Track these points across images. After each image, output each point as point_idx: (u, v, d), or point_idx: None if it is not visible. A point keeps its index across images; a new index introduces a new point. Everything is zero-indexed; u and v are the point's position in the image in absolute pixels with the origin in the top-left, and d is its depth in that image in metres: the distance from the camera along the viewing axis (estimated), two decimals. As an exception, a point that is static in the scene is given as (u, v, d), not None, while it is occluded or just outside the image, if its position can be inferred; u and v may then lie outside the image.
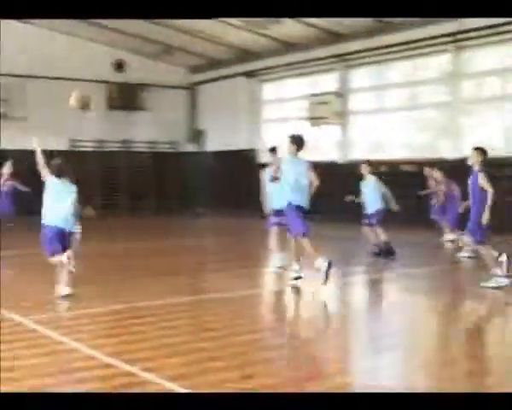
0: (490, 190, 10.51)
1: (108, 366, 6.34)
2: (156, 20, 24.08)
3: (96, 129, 27.89)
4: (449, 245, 16.05)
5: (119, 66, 28.47)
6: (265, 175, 12.85)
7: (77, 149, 27.62)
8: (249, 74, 27.22)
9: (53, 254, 9.77)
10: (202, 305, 9.56)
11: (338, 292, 11.12)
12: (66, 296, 9.59)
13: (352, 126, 23.96)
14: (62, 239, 9.80)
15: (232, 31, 24.55)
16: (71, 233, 10.06)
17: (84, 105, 11.28)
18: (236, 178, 28.02)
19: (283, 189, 11.16)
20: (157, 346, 7.05)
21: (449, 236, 16.25)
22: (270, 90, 27.52)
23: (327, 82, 24.29)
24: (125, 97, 28.35)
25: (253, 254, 15.89)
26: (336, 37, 23.44)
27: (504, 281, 10.46)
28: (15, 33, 25.68)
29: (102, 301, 9.63)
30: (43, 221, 9.93)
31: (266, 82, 27.35)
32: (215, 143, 29.38)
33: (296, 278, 10.93)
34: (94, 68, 27.46)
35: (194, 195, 29.88)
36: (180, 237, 19.88)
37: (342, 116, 23.78)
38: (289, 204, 10.98)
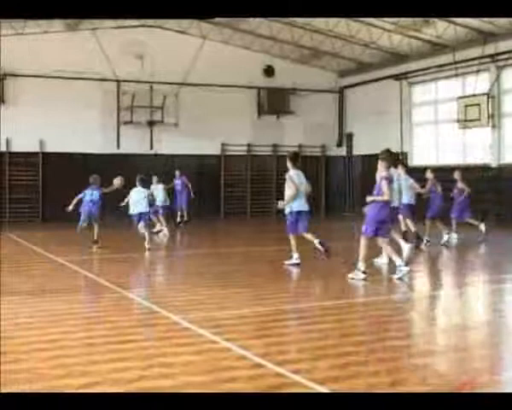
0: None
1: (258, 366, 6.46)
2: (304, 25, 24.34)
3: (247, 133, 28.51)
4: None
5: (269, 71, 28.90)
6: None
7: (228, 154, 28.35)
8: (399, 77, 26.90)
9: None
10: (349, 309, 9.55)
11: (489, 298, 10.82)
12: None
13: (506, 129, 23.15)
14: None
15: (382, 34, 24.37)
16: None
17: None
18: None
19: None
20: (305, 349, 7.11)
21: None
22: (419, 92, 27.07)
23: (478, 83, 23.61)
24: (275, 102, 28.76)
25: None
26: (488, 36, 22.74)
27: None
28: (167, 42, 26.70)
29: (250, 303, 9.85)
30: None
31: (416, 84, 26.93)
32: (363, 146, 29.22)
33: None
34: (245, 75, 28.05)
35: (342, 198, 29.89)
36: (327, 241, 19.89)
37: (494, 118, 23.04)
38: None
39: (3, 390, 5.60)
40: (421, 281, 12.74)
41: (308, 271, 13.11)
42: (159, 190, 21.28)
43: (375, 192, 12.15)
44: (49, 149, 25.87)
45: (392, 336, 7.79)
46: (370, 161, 28.83)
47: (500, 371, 6.75)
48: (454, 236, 18.03)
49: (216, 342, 7.33)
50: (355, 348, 7.10)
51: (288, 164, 13.98)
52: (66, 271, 13.05)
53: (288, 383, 5.94)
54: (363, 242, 11.89)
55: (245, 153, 28.71)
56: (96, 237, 16.44)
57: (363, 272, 11.64)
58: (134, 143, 26.83)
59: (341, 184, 30.22)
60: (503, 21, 21.23)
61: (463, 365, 6.84)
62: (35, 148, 25.71)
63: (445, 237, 17.34)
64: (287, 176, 13.89)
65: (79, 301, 9.89)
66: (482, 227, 18.23)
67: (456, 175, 19.06)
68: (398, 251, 12.49)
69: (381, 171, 12.18)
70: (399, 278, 11.48)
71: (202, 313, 8.90)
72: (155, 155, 27.06)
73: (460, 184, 18.80)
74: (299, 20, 24.55)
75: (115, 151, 26.60)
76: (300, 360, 6.61)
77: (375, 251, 12.95)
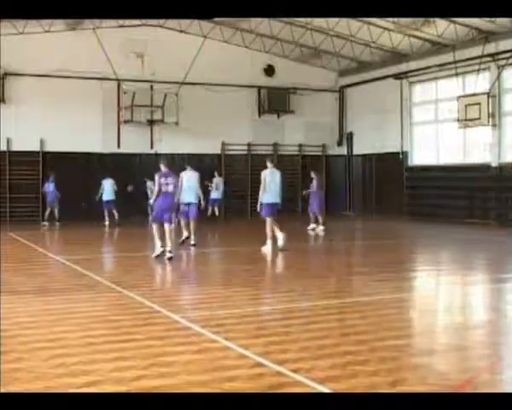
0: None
1: (258, 365, 6.47)
2: (304, 24, 24.36)
3: (248, 133, 28.52)
4: None
5: (270, 70, 28.91)
6: None
7: (228, 153, 28.34)
8: (399, 76, 26.90)
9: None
10: (350, 308, 9.55)
11: (491, 297, 10.84)
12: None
13: (506, 128, 23.15)
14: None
15: (382, 33, 24.39)
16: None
17: None
18: (385, 180, 27.80)
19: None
20: (305, 348, 7.11)
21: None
22: (419, 91, 27.08)
23: (478, 82, 23.58)
24: (275, 101, 28.76)
25: (400, 257, 15.72)
26: (488, 35, 22.75)
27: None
28: (168, 41, 26.74)
29: (251, 302, 9.87)
30: None
31: (416, 83, 26.93)
32: (364, 145, 29.24)
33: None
34: (245, 74, 28.09)
35: (342, 197, 29.95)
36: (327, 240, 19.93)
37: (495, 117, 23.03)
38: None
39: (5, 390, 5.62)
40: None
41: (316, 270, 13.14)
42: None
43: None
44: (50, 148, 25.88)
45: (394, 335, 7.79)
46: (371, 160, 28.97)
47: (502, 370, 6.76)
48: (313, 226, 21.07)
49: (216, 342, 7.35)
50: (355, 348, 7.12)
51: (187, 166, 17.22)
52: (66, 270, 13.07)
53: (289, 382, 5.95)
54: (154, 228, 14.30)
55: (245, 152, 28.71)
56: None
57: (169, 252, 13.97)
58: (134, 142, 26.84)
59: (342, 184, 30.24)
60: (503, 20, 21.21)
61: (466, 364, 6.86)
62: (36, 147, 25.71)
63: (321, 228, 20.80)
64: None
65: (80, 300, 9.90)
66: (320, 227, 20.92)
67: (313, 175, 22.18)
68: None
69: (162, 168, 14.48)
70: (157, 256, 14.03)
71: (203, 313, 8.92)
72: (156, 154, 27.07)
73: (314, 182, 21.92)
74: (300, 20, 24.57)
75: (116, 150, 26.63)
76: (301, 360, 6.62)
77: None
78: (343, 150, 30.41)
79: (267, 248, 15.60)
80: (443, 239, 19.27)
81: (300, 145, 29.62)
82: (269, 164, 16.43)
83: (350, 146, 30.18)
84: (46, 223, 23.75)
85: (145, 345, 7.22)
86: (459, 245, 18.14)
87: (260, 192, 16.10)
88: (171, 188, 14.25)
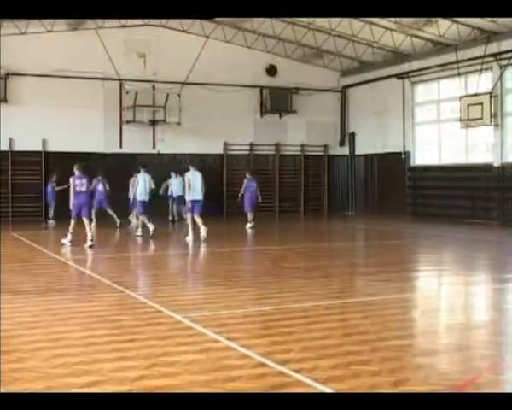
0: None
1: (261, 365, 6.46)
2: (306, 24, 24.34)
3: (250, 133, 28.51)
4: None
5: (272, 70, 28.89)
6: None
7: (230, 153, 28.34)
8: (401, 76, 26.87)
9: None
10: (352, 308, 9.55)
11: (493, 297, 10.83)
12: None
13: (508, 128, 23.10)
14: None
15: (384, 33, 24.37)
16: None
17: None
18: (388, 180, 27.80)
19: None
20: (308, 348, 7.10)
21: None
22: (422, 91, 27.05)
23: (481, 82, 23.54)
24: (277, 101, 28.72)
25: (402, 257, 15.70)
26: (490, 35, 22.71)
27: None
28: (170, 41, 26.74)
29: (255, 302, 9.86)
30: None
31: (418, 83, 26.90)
32: (366, 145, 29.22)
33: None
34: (247, 74, 28.08)
35: (344, 197, 29.94)
36: (329, 240, 19.92)
37: (497, 117, 22.98)
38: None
39: (6, 390, 5.62)
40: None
41: (319, 270, 13.12)
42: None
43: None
44: (52, 148, 25.88)
45: (397, 335, 7.78)
46: (373, 160, 28.95)
47: (505, 370, 6.75)
48: (249, 225, 21.67)
49: (219, 342, 7.34)
50: (358, 348, 7.10)
51: (141, 169, 20.09)
52: (69, 270, 13.07)
53: (291, 382, 5.94)
54: (72, 222, 16.68)
55: (247, 152, 28.70)
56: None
57: (70, 241, 16.61)
58: (137, 142, 26.84)
59: (344, 184, 30.25)
60: (505, 20, 21.16)
61: (468, 364, 6.84)
62: (38, 147, 25.72)
63: (249, 225, 21.72)
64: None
65: (82, 299, 9.90)
66: (249, 223, 21.69)
67: (247, 175, 22.83)
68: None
69: (76, 172, 16.81)
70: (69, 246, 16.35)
71: (205, 312, 8.91)
72: (158, 154, 27.08)
73: (245, 181, 22.47)
74: (302, 20, 24.55)
75: (118, 150, 26.62)
76: (303, 360, 6.61)
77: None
78: (345, 150, 30.37)
79: (189, 238, 17.94)
80: (445, 239, 19.25)
81: (302, 145, 29.60)
82: (191, 167, 18.67)
83: (352, 146, 30.16)
84: (52, 221, 24.24)
85: (147, 345, 7.21)
86: (461, 245, 18.11)
87: (186, 191, 18.45)
88: (84, 188, 16.83)
